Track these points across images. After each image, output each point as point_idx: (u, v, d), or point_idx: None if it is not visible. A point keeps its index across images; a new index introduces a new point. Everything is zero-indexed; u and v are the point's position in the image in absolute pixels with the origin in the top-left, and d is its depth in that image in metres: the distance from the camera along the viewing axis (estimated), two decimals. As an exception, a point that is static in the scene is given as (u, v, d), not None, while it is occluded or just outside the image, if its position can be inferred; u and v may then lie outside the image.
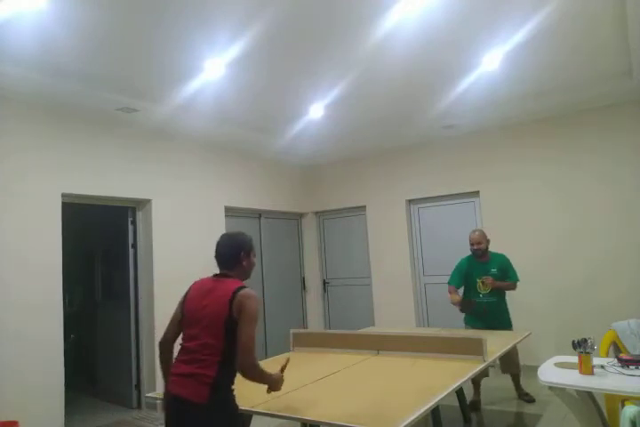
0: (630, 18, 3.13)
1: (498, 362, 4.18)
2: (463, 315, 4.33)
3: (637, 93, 4.67)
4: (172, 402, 2.03)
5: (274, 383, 2.07)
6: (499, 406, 4.14)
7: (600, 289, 4.89)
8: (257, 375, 1.99)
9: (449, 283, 4.31)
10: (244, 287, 2.06)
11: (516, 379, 4.27)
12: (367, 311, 6.43)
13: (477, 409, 4.06)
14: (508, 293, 4.27)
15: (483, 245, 4.20)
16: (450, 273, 4.35)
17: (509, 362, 4.15)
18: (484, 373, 4.01)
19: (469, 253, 4.32)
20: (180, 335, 2.17)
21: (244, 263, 2.18)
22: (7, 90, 3.75)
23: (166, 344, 2.19)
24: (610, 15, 3.15)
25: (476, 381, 4.10)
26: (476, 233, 4.27)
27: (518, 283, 4.20)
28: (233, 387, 2.05)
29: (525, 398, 4.20)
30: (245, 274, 2.20)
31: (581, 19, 3.18)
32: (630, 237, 4.82)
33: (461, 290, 4.33)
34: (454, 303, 4.14)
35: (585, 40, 3.52)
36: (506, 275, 4.17)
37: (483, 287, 4.15)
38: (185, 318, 2.13)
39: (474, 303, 4.15)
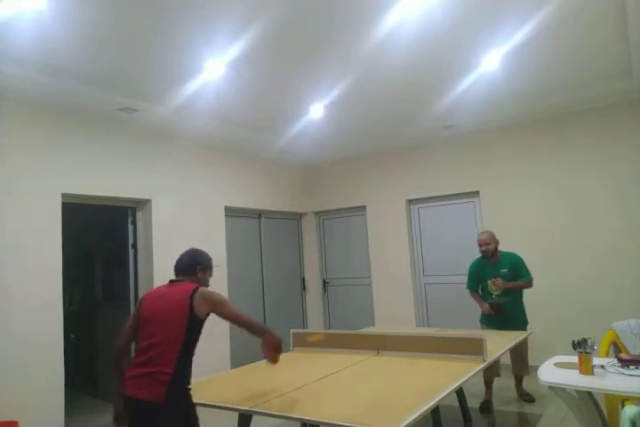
0: (630, 18, 3.13)
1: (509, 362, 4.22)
2: (479, 315, 4.33)
3: (637, 93, 4.67)
4: (130, 405, 2.05)
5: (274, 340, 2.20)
6: (499, 406, 4.14)
7: (600, 289, 4.89)
8: (262, 325, 2.23)
9: (467, 287, 4.38)
10: (199, 287, 2.19)
11: (518, 379, 4.27)
12: (367, 311, 6.43)
13: (489, 409, 4.04)
14: (525, 291, 4.25)
15: (491, 246, 4.18)
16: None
17: (520, 363, 4.16)
18: (495, 373, 4.05)
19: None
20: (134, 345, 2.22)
21: (199, 275, 2.32)
22: (7, 90, 3.75)
23: (120, 357, 2.24)
24: (610, 15, 3.15)
25: (487, 381, 4.09)
26: (484, 234, 4.24)
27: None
28: (189, 386, 2.08)
29: (526, 398, 4.20)
30: (199, 284, 2.25)
31: (581, 19, 3.18)
32: (630, 237, 4.82)
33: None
34: (486, 312, 4.18)
35: (585, 40, 3.52)
36: (518, 274, 4.14)
37: (494, 288, 4.16)
38: (141, 322, 2.18)
39: (498, 305, 4.11)
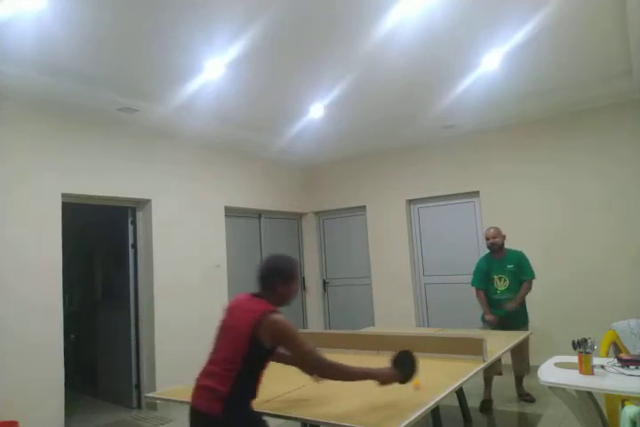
0: (630, 18, 3.13)
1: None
2: (480, 314, 4.36)
3: (637, 93, 4.67)
4: (190, 411, 2.03)
5: (379, 377, 2.03)
6: (499, 406, 4.14)
7: (600, 289, 4.89)
8: (335, 371, 1.96)
9: (472, 284, 4.41)
10: (271, 312, 1.99)
11: (519, 379, 4.28)
12: (367, 311, 6.43)
13: (489, 409, 4.06)
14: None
15: (498, 240, 4.27)
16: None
17: (520, 363, 4.19)
18: (495, 371, 4.08)
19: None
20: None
21: (279, 289, 2.10)
22: (7, 90, 3.75)
23: None
24: (610, 15, 3.15)
25: (487, 378, 4.13)
26: (491, 230, 4.36)
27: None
28: (251, 404, 2.02)
29: (526, 398, 4.21)
30: (280, 299, 2.11)
31: (581, 19, 3.18)
32: (630, 237, 4.82)
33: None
34: (491, 321, 4.19)
35: (585, 40, 3.52)
36: (521, 271, 4.23)
37: (500, 284, 4.23)
38: (218, 329, 2.12)
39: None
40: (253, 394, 2.03)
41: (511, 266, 4.23)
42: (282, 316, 2.01)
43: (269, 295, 2.10)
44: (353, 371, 2.00)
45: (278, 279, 2.09)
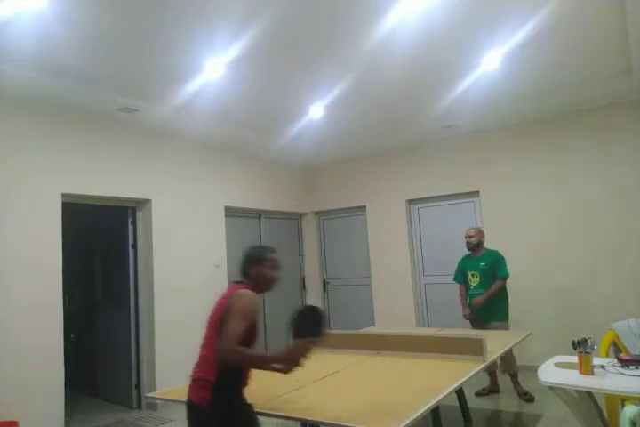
0: (630, 18, 3.13)
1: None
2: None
3: (637, 93, 4.67)
4: (186, 403, 2.08)
5: (281, 359, 2.04)
6: (499, 406, 4.15)
7: (600, 289, 4.89)
8: (238, 357, 1.91)
9: (454, 279, 4.72)
10: (242, 289, 2.09)
11: (514, 378, 4.32)
12: (367, 311, 6.43)
13: (481, 395, 4.40)
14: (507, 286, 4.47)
15: (473, 239, 4.53)
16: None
17: (507, 362, 4.28)
18: (495, 365, 4.28)
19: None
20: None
21: (250, 272, 2.21)
22: (7, 90, 3.75)
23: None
24: (610, 15, 3.15)
25: (489, 373, 4.43)
26: (472, 229, 4.64)
27: (510, 279, 4.44)
28: (241, 390, 2.06)
29: (524, 397, 4.22)
30: (256, 284, 2.18)
31: (581, 19, 3.18)
32: (630, 236, 4.82)
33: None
34: (465, 317, 4.55)
35: (585, 40, 3.52)
36: (495, 270, 4.40)
37: (472, 280, 4.48)
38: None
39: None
40: (241, 381, 2.06)
41: (483, 264, 4.44)
42: (252, 294, 2.06)
43: (246, 281, 2.20)
44: (256, 356, 2.05)
45: (248, 264, 2.23)
